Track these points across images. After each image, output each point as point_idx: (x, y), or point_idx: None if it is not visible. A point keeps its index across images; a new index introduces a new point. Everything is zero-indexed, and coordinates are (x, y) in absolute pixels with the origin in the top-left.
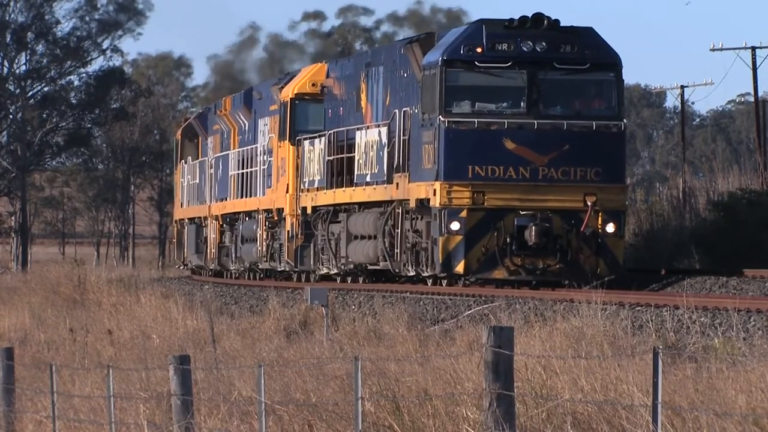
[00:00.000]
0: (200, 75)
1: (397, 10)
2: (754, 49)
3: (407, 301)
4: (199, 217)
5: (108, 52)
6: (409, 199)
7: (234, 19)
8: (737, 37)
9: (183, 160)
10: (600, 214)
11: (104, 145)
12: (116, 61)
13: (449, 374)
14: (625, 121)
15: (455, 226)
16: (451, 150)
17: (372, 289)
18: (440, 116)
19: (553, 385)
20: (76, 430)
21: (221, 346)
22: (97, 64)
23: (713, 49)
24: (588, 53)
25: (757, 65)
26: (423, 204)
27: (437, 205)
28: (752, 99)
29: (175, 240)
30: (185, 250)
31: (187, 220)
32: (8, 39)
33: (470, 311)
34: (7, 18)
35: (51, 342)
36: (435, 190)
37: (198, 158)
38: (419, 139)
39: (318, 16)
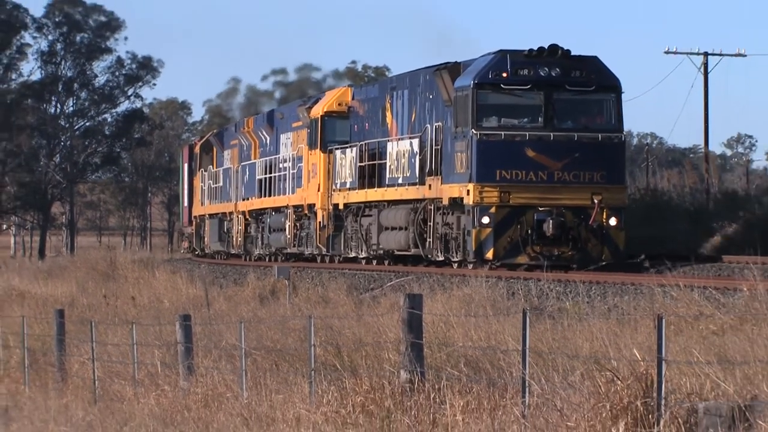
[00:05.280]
0: (197, 114)
1: (338, 68)
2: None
3: (346, 275)
4: (222, 213)
5: (132, 97)
6: (441, 198)
7: (222, 73)
8: None
9: (202, 169)
10: (605, 210)
11: (129, 164)
12: (137, 104)
13: (377, 328)
14: (624, 133)
15: (486, 220)
16: (482, 157)
17: (322, 267)
18: (473, 129)
19: (450, 335)
20: (109, 368)
21: (213, 308)
22: (123, 106)
23: None
24: (593, 77)
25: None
26: (455, 202)
27: (470, 202)
28: None
29: (193, 231)
30: (206, 238)
31: (207, 216)
32: (60, 88)
33: (392, 282)
34: (59, 73)
35: (91, 305)
36: (468, 191)
37: (213, 168)
38: (451, 149)
39: (282, 72)
